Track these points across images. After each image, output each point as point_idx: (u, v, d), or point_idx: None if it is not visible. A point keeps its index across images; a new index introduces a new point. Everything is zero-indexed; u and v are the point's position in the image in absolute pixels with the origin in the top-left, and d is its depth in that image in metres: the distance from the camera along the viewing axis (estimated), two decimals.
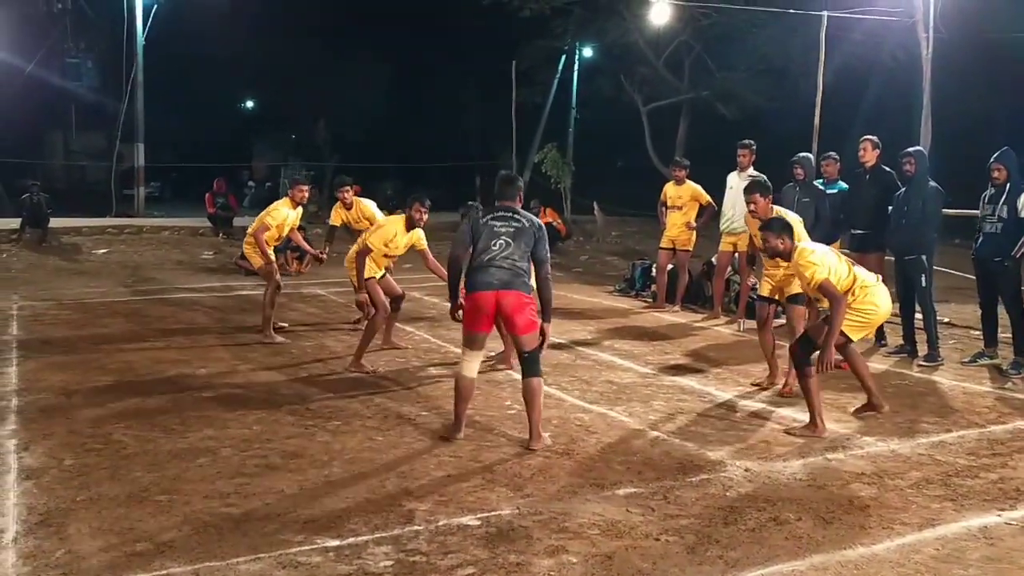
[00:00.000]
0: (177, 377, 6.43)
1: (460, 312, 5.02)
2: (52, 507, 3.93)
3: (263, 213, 8.00)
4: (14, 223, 15.08)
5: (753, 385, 6.45)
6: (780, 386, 6.25)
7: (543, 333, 4.90)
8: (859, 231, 7.91)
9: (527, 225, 4.89)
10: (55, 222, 15.36)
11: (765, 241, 5.43)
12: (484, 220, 4.91)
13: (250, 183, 19.79)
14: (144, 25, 19.36)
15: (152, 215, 19.72)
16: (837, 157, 8.47)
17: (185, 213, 19.37)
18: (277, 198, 9.06)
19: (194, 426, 5.18)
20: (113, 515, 3.85)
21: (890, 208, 7.56)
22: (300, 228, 8.60)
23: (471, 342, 4.96)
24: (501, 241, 4.83)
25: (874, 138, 7.87)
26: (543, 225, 5.02)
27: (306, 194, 8.05)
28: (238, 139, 32.12)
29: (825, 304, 5.36)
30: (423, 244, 7.15)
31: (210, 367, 6.79)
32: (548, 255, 4.98)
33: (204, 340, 7.86)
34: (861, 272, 5.37)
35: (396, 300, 7.43)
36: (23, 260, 13.55)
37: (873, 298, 5.27)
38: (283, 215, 7.85)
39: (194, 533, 3.67)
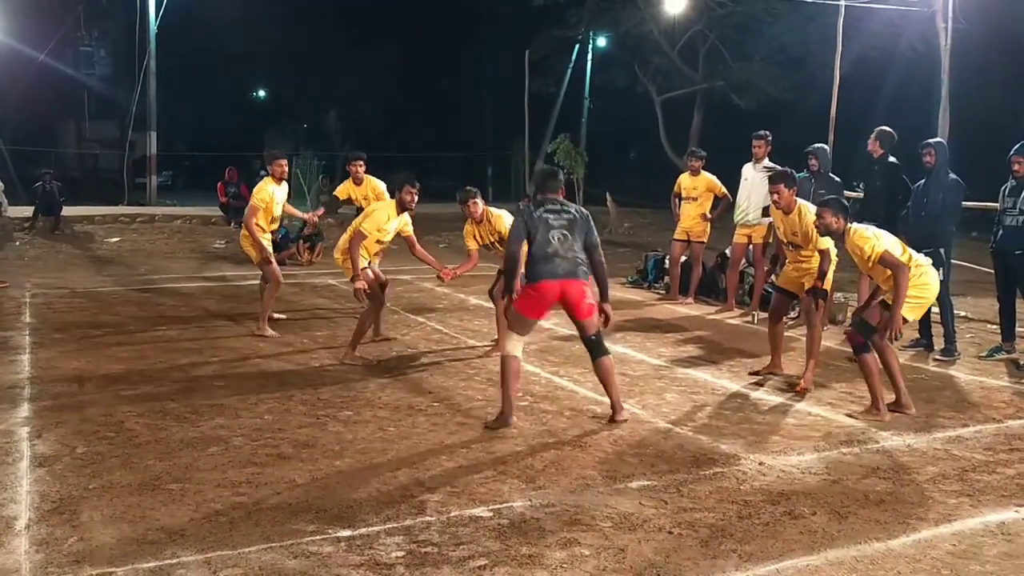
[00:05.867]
0: (189, 366, 6.44)
1: (510, 305, 5.17)
2: (65, 495, 3.94)
3: (251, 199, 7.79)
4: (27, 211, 15.13)
5: (751, 374, 6.42)
6: (794, 381, 6.19)
7: (606, 313, 5.15)
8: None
9: (578, 216, 5.12)
10: (68, 210, 15.41)
11: (820, 217, 5.44)
12: (538, 214, 5.06)
13: (261, 172, 19.77)
14: (157, 14, 19.38)
15: (164, 204, 19.77)
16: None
17: (197, 202, 19.41)
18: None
19: (206, 415, 5.18)
20: (125, 503, 3.85)
21: (899, 199, 7.63)
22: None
23: (523, 327, 5.15)
24: (559, 233, 5.02)
25: (884, 129, 7.86)
26: (589, 214, 5.22)
27: (285, 167, 7.84)
28: (250, 128, 32.13)
29: (882, 282, 5.38)
30: (409, 230, 7.05)
31: (222, 356, 6.79)
32: (599, 240, 5.21)
33: (216, 329, 7.86)
34: (914, 252, 5.43)
35: (380, 288, 7.32)
36: (36, 248, 13.60)
37: (928, 278, 5.34)
38: (269, 193, 7.61)
39: (206, 522, 3.66)
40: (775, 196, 6.09)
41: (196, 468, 4.30)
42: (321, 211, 8.75)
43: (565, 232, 5.03)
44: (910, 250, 5.41)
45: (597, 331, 5.15)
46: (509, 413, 5.08)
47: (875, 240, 5.24)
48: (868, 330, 5.31)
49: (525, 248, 5.09)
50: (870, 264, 5.30)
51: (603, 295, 5.18)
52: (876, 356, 5.29)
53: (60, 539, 3.49)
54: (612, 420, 5.17)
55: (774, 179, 6.17)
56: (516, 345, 5.13)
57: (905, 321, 5.29)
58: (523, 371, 6.37)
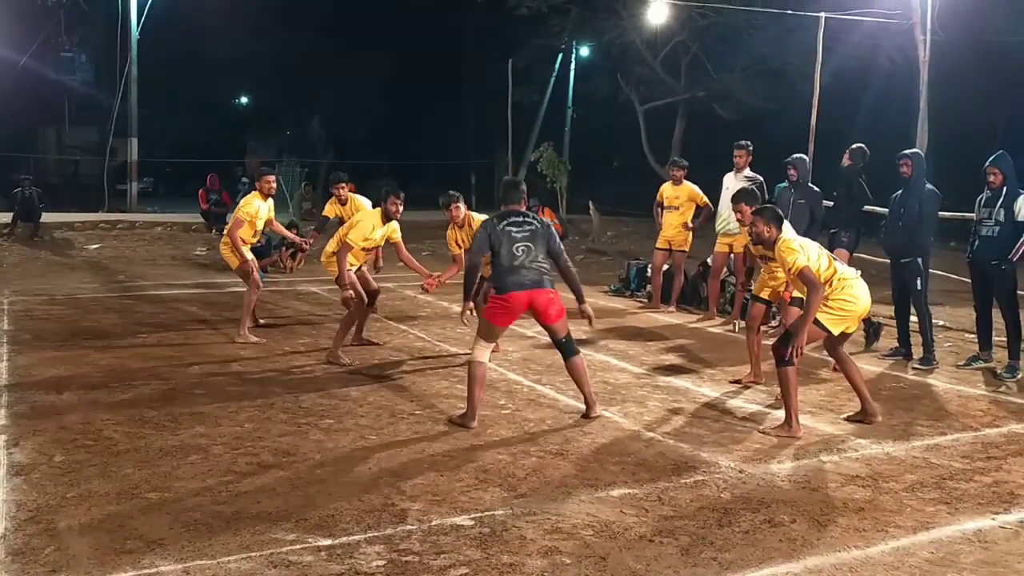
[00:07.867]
0: (169, 374, 6.39)
1: (468, 314, 5.39)
2: (42, 504, 3.90)
3: (235, 210, 7.92)
4: (6, 217, 15.00)
5: (732, 383, 6.46)
6: (774, 390, 6.23)
7: (588, 315, 5.43)
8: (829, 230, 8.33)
9: (539, 227, 5.35)
10: (47, 217, 15.29)
11: (753, 225, 5.46)
12: (500, 227, 5.28)
13: (244, 179, 19.69)
14: (139, 20, 19.28)
15: (145, 211, 19.62)
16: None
17: (178, 209, 19.30)
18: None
19: (185, 423, 5.14)
20: (103, 512, 3.82)
21: (855, 199, 8.01)
22: (292, 226, 8.55)
23: (491, 335, 5.35)
24: (523, 246, 5.24)
25: (859, 146, 8.14)
26: (550, 223, 5.48)
27: (273, 184, 7.95)
28: (232, 135, 31.98)
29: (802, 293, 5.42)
30: (397, 236, 7.20)
31: (202, 364, 6.75)
32: (562, 246, 5.44)
33: (196, 337, 7.82)
34: (841, 266, 5.43)
35: (372, 296, 7.42)
36: (15, 255, 13.47)
37: (851, 291, 5.30)
38: (255, 207, 7.73)
39: (184, 531, 3.63)
40: (738, 215, 5.98)
41: (175, 477, 4.27)
42: (312, 237, 8.80)
43: (528, 244, 5.25)
44: (837, 263, 5.38)
45: (567, 334, 5.36)
46: (472, 416, 5.21)
47: (799, 253, 5.20)
48: (790, 344, 5.23)
49: (486, 260, 5.37)
50: (792, 275, 5.33)
51: (579, 298, 5.44)
52: (795, 370, 5.23)
53: (37, 549, 3.45)
54: (586, 416, 5.39)
55: (735, 198, 6.05)
56: (484, 352, 5.30)
57: (834, 336, 5.29)
58: (506, 379, 6.41)
